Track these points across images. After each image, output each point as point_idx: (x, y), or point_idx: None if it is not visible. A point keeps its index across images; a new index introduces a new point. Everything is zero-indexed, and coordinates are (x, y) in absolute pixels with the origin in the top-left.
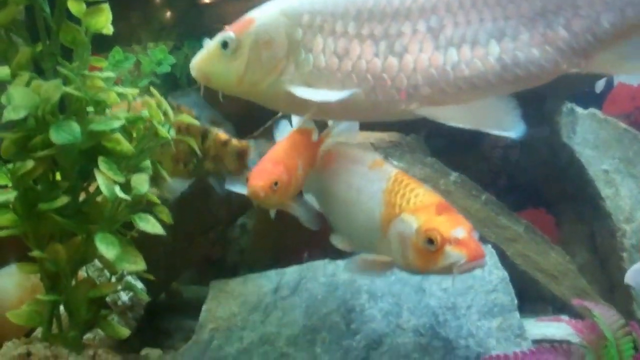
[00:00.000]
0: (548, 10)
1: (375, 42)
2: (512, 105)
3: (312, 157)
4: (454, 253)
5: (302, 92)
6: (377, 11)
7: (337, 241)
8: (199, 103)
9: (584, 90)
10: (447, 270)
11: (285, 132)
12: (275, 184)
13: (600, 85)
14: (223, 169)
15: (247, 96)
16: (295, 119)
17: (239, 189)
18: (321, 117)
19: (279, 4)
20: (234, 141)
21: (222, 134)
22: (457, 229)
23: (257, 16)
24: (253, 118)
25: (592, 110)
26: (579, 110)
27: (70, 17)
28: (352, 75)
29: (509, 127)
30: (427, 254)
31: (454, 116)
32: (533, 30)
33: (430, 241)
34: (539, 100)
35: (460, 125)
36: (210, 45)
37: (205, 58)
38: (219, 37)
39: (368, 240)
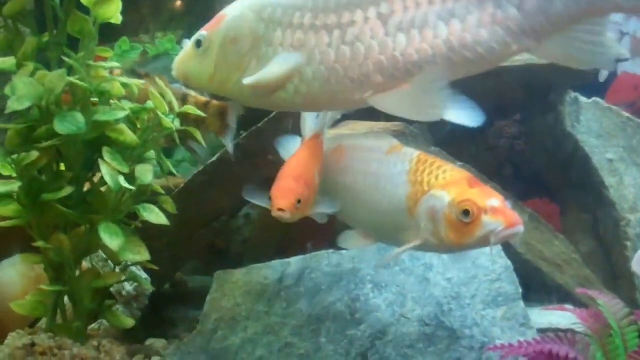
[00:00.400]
0: None
1: (329, 33)
2: (463, 96)
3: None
4: (491, 221)
5: (247, 80)
6: (332, 1)
7: (353, 239)
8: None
9: (588, 79)
10: (484, 241)
11: (291, 147)
12: (299, 201)
13: (604, 74)
14: (205, 131)
15: (221, 94)
16: (306, 127)
17: (259, 201)
18: (289, 110)
19: None
20: (214, 102)
21: (201, 97)
22: (491, 199)
23: (228, 12)
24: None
25: (595, 99)
26: (583, 99)
27: (79, 6)
28: (306, 67)
29: (465, 116)
30: (462, 227)
31: (401, 107)
32: (482, 11)
33: (466, 213)
34: (545, 89)
35: (407, 116)
36: (187, 44)
37: (182, 58)
38: (194, 36)
39: (392, 226)
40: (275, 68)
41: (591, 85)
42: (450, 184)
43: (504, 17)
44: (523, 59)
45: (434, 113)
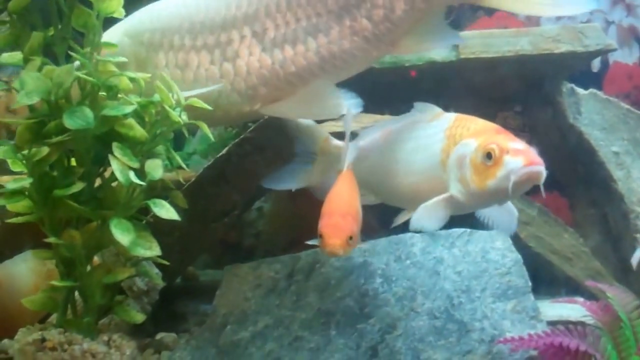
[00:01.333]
0: (351, 4)
1: (210, 51)
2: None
3: None
4: (511, 160)
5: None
6: (208, 22)
7: (403, 216)
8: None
9: (580, 70)
10: (505, 182)
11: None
12: (350, 238)
13: (596, 64)
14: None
15: None
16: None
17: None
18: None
19: (122, 26)
20: None
21: None
22: (515, 142)
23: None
24: None
25: (592, 90)
26: (580, 90)
27: (82, 0)
28: (195, 84)
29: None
30: (485, 170)
31: (297, 112)
32: (341, 24)
33: (489, 155)
34: (539, 79)
35: (309, 117)
36: None
37: None
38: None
39: (428, 185)
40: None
41: (584, 75)
42: (479, 132)
43: (359, 28)
44: (514, 49)
45: (335, 110)
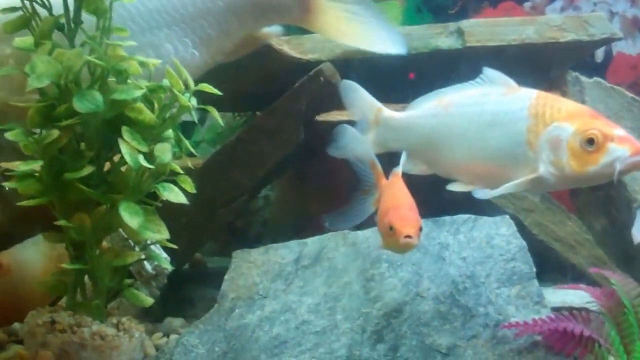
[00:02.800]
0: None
1: None
2: None
3: None
4: (617, 148)
5: None
6: None
7: (457, 187)
8: None
9: (584, 60)
10: (607, 169)
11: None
12: (421, 229)
13: (600, 54)
14: None
15: None
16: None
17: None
18: None
19: None
20: None
21: None
22: (617, 129)
23: None
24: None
25: (596, 79)
26: (584, 79)
27: None
28: None
29: None
30: (585, 155)
31: None
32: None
33: (590, 141)
34: (546, 69)
35: None
36: None
37: None
38: None
39: (508, 161)
40: None
41: (588, 65)
42: (573, 115)
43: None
44: (520, 37)
45: None
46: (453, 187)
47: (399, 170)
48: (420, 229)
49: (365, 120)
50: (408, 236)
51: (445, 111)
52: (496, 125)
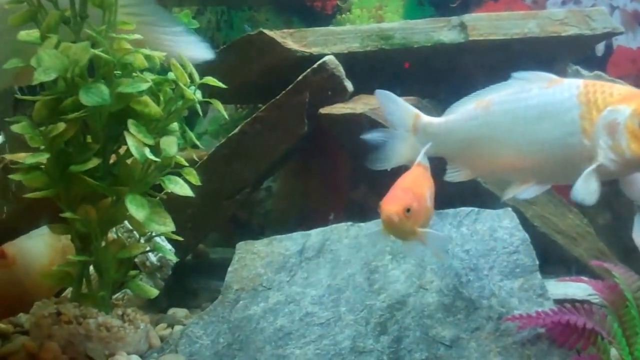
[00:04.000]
0: None
1: None
2: None
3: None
4: None
5: None
6: None
7: (513, 189)
8: None
9: (585, 54)
10: None
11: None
12: (408, 210)
13: (600, 48)
14: None
15: None
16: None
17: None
18: None
19: None
20: None
21: None
22: None
23: None
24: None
25: (597, 72)
26: (585, 72)
27: None
28: None
29: None
30: None
31: None
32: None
33: None
34: (548, 63)
35: None
36: None
37: None
38: None
39: (563, 153)
40: None
41: (588, 59)
42: (627, 97)
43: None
44: (522, 32)
45: None
46: (508, 194)
47: (420, 160)
48: (408, 210)
49: (404, 128)
50: (390, 214)
51: (486, 111)
52: (546, 117)
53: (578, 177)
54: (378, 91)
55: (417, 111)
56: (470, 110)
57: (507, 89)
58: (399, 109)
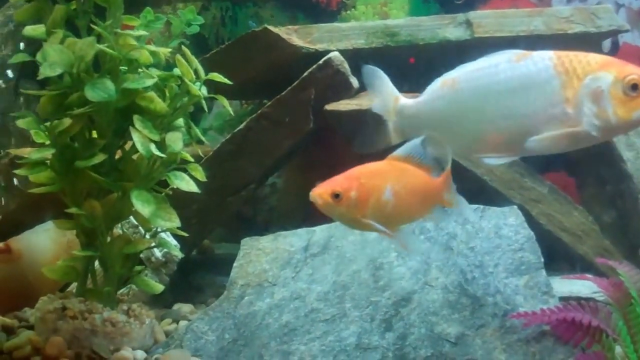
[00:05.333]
0: None
1: None
2: None
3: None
4: None
5: None
6: None
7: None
8: None
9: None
10: None
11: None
12: (337, 195)
13: (606, 45)
14: None
15: None
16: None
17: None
18: None
19: None
20: None
21: None
22: None
23: None
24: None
25: None
26: None
27: None
28: None
29: None
30: (630, 101)
31: None
32: None
33: (634, 87)
34: None
35: None
36: None
37: None
38: None
39: (545, 121)
40: None
41: None
42: (605, 65)
43: None
44: (528, 29)
45: None
46: (490, 160)
47: (396, 153)
48: (337, 195)
49: (385, 109)
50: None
51: (453, 89)
52: (521, 90)
53: (558, 147)
54: (366, 66)
55: (397, 94)
56: (437, 89)
57: (473, 66)
58: (383, 89)
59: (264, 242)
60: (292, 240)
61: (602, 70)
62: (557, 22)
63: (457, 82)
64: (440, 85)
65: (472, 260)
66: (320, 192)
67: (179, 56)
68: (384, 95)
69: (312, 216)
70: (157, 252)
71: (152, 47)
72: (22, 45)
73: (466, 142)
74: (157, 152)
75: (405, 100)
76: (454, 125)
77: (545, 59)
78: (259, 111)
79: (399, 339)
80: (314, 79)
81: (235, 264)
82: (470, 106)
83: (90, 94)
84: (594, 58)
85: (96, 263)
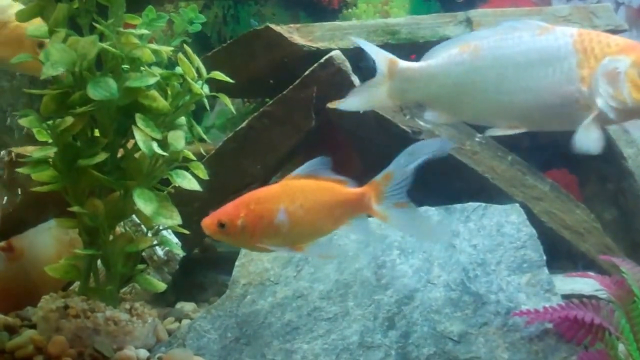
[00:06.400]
0: None
1: None
2: None
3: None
4: None
5: None
6: None
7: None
8: None
9: None
10: None
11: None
12: (222, 225)
13: None
14: None
15: None
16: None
17: None
18: None
19: None
20: None
21: None
22: None
23: None
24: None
25: None
26: None
27: None
28: None
29: None
30: None
31: None
32: None
33: None
34: None
35: None
36: None
37: None
38: None
39: (559, 100)
40: None
41: None
42: (625, 49)
43: None
44: None
45: None
46: (493, 132)
47: (297, 172)
48: (222, 225)
49: (378, 72)
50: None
51: (474, 56)
52: (540, 64)
53: (568, 124)
54: (356, 40)
55: (392, 56)
56: (456, 54)
57: (495, 35)
58: (372, 54)
59: None
60: None
61: (621, 54)
62: (555, 20)
63: (480, 50)
64: (459, 51)
65: (475, 258)
66: (207, 223)
67: (181, 55)
68: (375, 58)
69: None
70: (159, 251)
71: (154, 46)
72: None
73: (476, 111)
74: (159, 151)
75: (408, 63)
76: (469, 92)
77: (566, 35)
78: (261, 110)
79: (401, 337)
80: (316, 77)
81: (237, 263)
82: (491, 75)
83: (93, 92)
84: (614, 40)
85: (98, 262)
